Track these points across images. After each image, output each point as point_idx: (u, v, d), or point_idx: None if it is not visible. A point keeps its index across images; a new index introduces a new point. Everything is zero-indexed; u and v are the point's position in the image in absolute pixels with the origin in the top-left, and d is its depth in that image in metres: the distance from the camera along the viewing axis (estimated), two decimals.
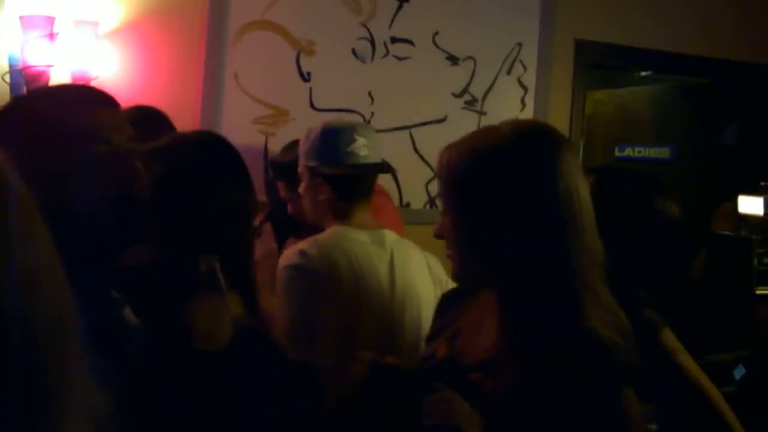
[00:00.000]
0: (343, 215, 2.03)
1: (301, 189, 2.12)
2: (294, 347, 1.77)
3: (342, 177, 2.01)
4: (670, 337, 1.62)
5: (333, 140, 2.02)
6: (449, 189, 1.28)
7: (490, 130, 1.28)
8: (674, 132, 4.22)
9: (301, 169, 2.10)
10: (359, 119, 3.28)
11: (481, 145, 1.25)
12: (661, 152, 4.17)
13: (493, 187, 1.21)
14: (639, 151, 4.24)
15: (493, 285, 1.26)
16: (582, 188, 1.21)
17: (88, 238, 1.12)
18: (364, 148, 2.02)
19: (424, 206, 3.36)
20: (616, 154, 4.28)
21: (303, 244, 1.94)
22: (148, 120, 2.28)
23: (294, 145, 2.52)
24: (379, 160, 2.10)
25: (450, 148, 1.30)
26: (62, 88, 1.33)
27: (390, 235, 2.05)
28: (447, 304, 1.54)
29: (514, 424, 1.14)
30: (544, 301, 1.16)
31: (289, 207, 2.32)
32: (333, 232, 2.00)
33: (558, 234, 1.17)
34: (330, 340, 1.85)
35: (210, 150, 1.69)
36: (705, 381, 1.60)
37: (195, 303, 1.27)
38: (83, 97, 1.28)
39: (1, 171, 0.55)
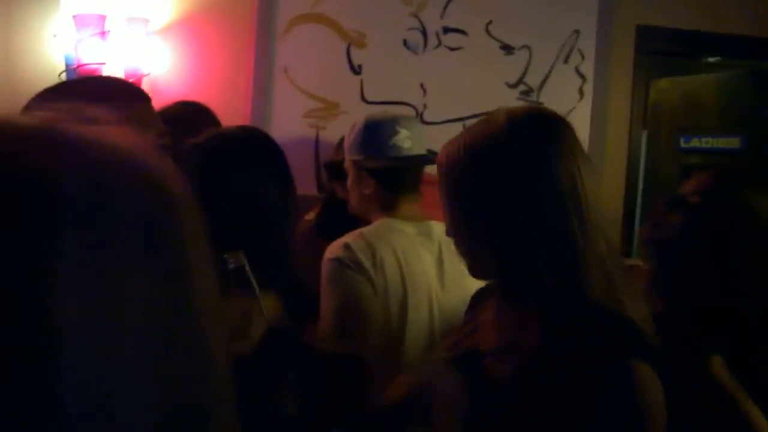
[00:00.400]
0: (389, 208, 2.01)
1: (348, 183, 2.10)
2: (337, 339, 1.77)
3: (386, 170, 1.98)
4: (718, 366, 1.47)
5: (375, 133, 2.00)
6: (449, 186, 1.26)
7: (484, 121, 1.25)
8: (744, 121, 4.00)
9: (347, 163, 2.09)
10: (411, 112, 3.21)
11: (475, 138, 1.22)
12: (730, 142, 3.96)
13: (490, 179, 1.19)
14: (706, 142, 4.04)
15: (499, 274, 1.25)
16: (584, 169, 1.19)
17: None
18: (407, 140, 1.99)
19: None
20: (682, 145, 4.09)
21: (348, 237, 1.92)
22: (192, 115, 2.28)
23: (343, 143, 2.50)
24: (423, 152, 2.05)
25: (447, 144, 1.28)
26: (92, 80, 1.30)
27: (438, 227, 1.99)
28: (476, 299, 1.49)
29: (515, 410, 1.12)
30: (547, 284, 1.14)
31: (350, 206, 2.27)
32: (379, 224, 1.98)
33: (560, 216, 1.14)
34: (375, 333, 1.83)
35: (248, 145, 1.66)
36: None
37: (223, 302, 1.23)
38: (112, 90, 1.25)
39: (172, 190, 0.51)
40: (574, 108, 3.35)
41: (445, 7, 3.23)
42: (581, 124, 3.36)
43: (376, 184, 2.00)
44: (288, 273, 1.54)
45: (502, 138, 1.18)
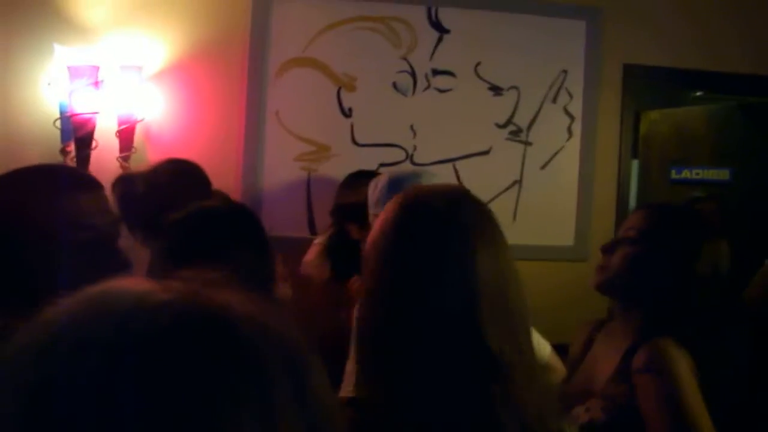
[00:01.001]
0: None
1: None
2: (357, 386, 1.82)
3: None
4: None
5: (400, 189, 2.05)
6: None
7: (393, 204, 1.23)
8: (733, 153, 4.04)
9: (371, 218, 2.14)
10: (401, 154, 3.26)
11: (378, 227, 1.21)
12: (720, 174, 4.01)
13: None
14: (696, 173, 4.08)
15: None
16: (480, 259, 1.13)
17: None
18: None
19: None
20: (673, 176, 4.13)
21: None
22: (181, 175, 2.31)
23: (352, 184, 2.58)
24: None
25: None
26: (44, 172, 1.33)
27: None
28: None
29: None
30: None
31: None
32: None
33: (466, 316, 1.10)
34: None
35: (229, 221, 1.71)
36: None
37: None
38: (67, 182, 1.29)
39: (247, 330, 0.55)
40: (563, 147, 3.39)
41: (434, 50, 3.28)
42: (571, 162, 3.41)
43: None
44: None
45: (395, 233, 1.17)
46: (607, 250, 1.78)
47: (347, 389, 1.91)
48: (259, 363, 0.53)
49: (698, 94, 4.22)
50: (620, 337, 1.73)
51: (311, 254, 2.68)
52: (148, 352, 0.50)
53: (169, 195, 2.11)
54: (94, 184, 1.32)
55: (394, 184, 2.08)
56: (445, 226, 1.16)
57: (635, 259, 1.71)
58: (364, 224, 2.25)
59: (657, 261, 1.69)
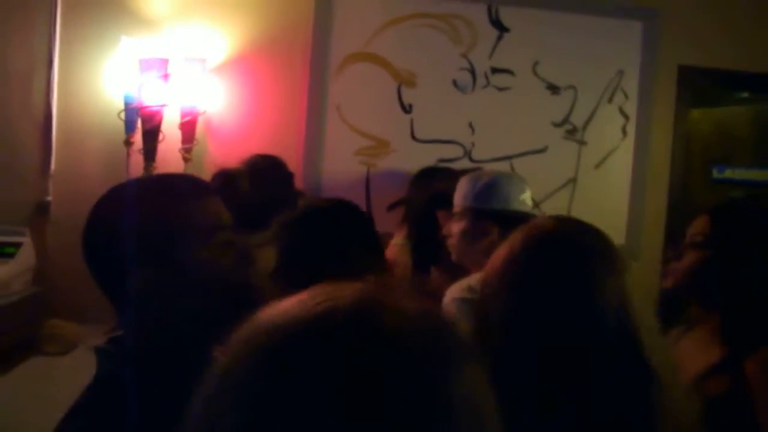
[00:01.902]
0: None
1: (456, 228, 2.18)
2: None
3: (513, 219, 2.07)
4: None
5: (508, 187, 2.09)
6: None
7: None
8: None
9: (460, 209, 2.15)
10: (460, 150, 3.29)
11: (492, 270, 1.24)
12: (764, 174, 4.05)
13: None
14: (739, 173, 4.12)
15: None
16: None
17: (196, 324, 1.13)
18: (530, 200, 2.12)
19: None
20: (715, 175, 4.17)
21: (469, 280, 2.00)
22: (269, 169, 2.35)
23: (424, 179, 2.63)
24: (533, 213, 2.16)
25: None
26: (165, 180, 1.32)
27: None
28: None
29: None
30: None
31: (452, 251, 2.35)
32: None
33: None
34: None
35: (338, 217, 1.77)
36: None
37: None
38: (187, 188, 1.27)
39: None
40: (618, 146, 3.43)
41: (493, 48, 3.31)
42: (624, 162, 3.44)
43: (500, 232, 2.06)
44: None
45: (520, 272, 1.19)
46: (675, 255, 1.81)
47: None
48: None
49: (745, 95, 4.25)
50: (705, 337, 1.78)
51: (392, 254, 2.71)
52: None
53: (270, 192, 2.16)
54: (210, 190, 1.32)
55: (501, 182, 2.11)
56: (588, 258, 1.19)
57: (704, 263, 1.74)
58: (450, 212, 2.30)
59: (726, 264, 1.73)
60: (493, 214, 2.07)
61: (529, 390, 1.18)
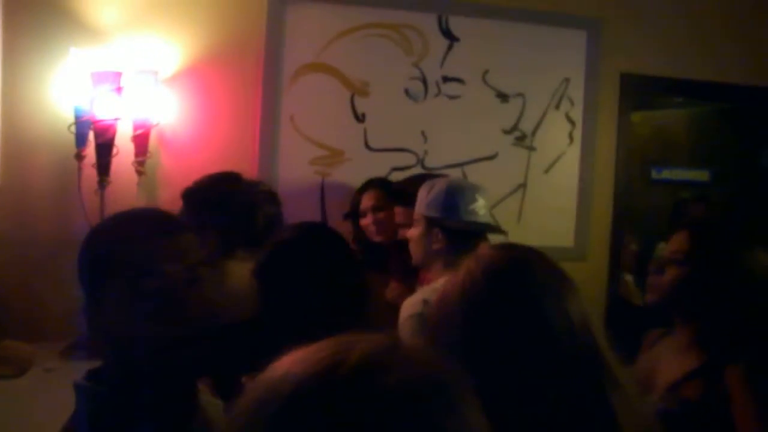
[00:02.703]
0: (452, 264, 2.15)
1: (411, 234, 2.27)
2: None
3: (461, 231, 2.14)
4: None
5: (457, 197, 2.16)
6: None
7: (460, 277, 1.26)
8: (712, 155, 4.27)
9: (417, 216, 2.24)
10: (413, 158, 3.34)
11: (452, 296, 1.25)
12: (700, 175, 4.23)
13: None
14: (677, 174, 4.30)
15: None
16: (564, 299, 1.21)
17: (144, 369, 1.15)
18: (482, 209, 2.20)
19: None
20: (653, 176, 4.34)
21: (422, 293, 2.06)
22: (228, 183, 2.36)
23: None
24: (490, 221, 2.21)
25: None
26: (127, 218, 1.32)
27: None
28: None
29: None
30: None
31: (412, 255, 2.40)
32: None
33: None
34: None
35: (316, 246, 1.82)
36: None
37: None
38: (143, 227, 1.27)
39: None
40: (565, 152, 3.53)
41: (444, 58, 3.37)
42: (571, 166, 3.55)
43: (446, 242, 2.17)
44: None
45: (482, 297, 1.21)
46: (657, 270, 1.91)
47: None
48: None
49: (679, 100, 4.43)
50: (683, 343, 1.87)
51: None
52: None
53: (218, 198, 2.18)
54: (172, 228, 1.26)
55: (453, 192, 2.20)
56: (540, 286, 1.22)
57: (684, 280, 1.84)
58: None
59: (705, 278, 1.83)
60: (440, 224, 2.16)
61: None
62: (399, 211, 2.62)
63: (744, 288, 1.81)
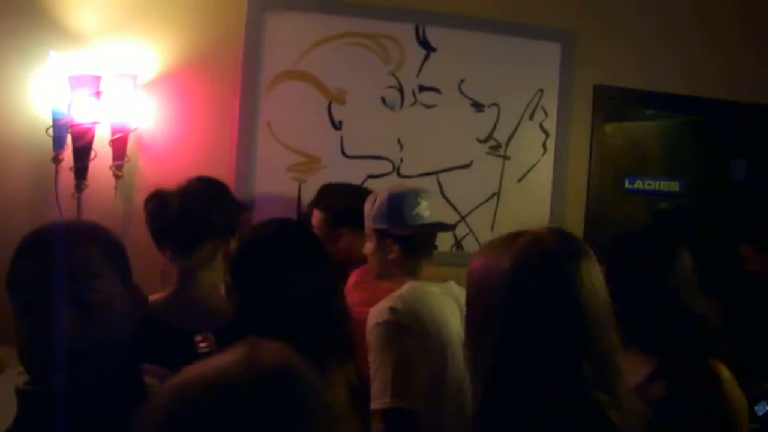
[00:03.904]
0: (412, 271, 2.25)
1: (366, 249, 2.32)
2: (393, 397, 1.98)
3: (410, 237, 2.19)
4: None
5: (399, 205, 2.21)
6: (470, 299, 1.36)
7: (503, 247, 1.31)
8: (683, 166, 4.36)
9: (368, 230, 2.28)
10: (389, 166, 3.39)
11: (487, 267, 1.30)
12: (671, 185, 4.31)
13: (496, 307, 1.27)
14: (648, 184, 4.37)
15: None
16: (597, 294, 1.27)
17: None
18: (427, 210, 2.24)
19: (451, 248, 3.47)
20: (626, 186, 4.41)
21: (389, 301, 2.10)
22: (207, 191, 2.38)
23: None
24: (439, 219, 2.27)
25: (475, 257, 1.36)
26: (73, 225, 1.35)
27: (455, 287, 2.25)
28: None
29: None
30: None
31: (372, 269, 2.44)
32: (412, 287, 2.18)
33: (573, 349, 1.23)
34: (423, 387, 2.03)
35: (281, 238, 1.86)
36: None
37: None
38: (81, 234, 1.29)
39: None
40: (539, 161, 3.60)
41: (420, 67, 3.42)
42: (545, 176, 3.62)
43: (401, 250, 2.23)
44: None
45: (509, 280, 1.26)
46: None
47: (381, 401, 2.04)
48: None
49: (652, 112, 4.51)
50: (636, 351, 1.92)
51: None
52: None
53: (200, 213, 2.19)
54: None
55: (395, 200, 2.24)
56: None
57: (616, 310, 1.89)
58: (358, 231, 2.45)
59: (630, 300, 1.87)
60: (390, 234, 2.22)
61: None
62: (343, 233, 2.69)
63: (674, 291, 1.87)
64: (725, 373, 1.83)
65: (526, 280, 1.26)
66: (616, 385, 1.27)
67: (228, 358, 0.78)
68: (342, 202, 2.79)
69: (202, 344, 1.49)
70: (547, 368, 1.22)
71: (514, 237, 1.33)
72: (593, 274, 1.29)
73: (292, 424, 0.74)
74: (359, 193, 2.74)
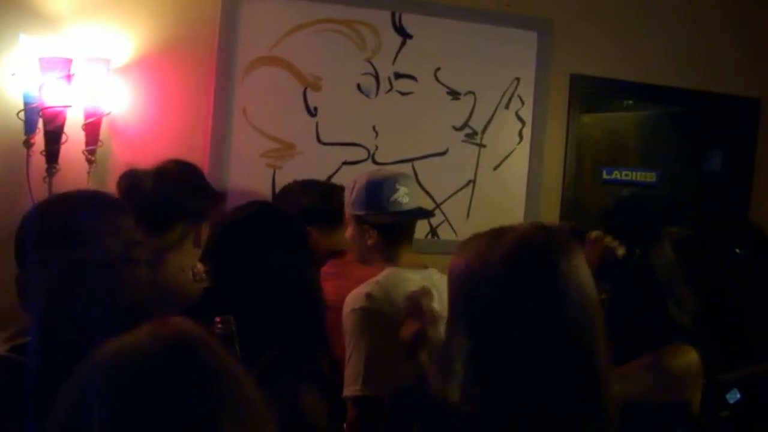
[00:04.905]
0: (392, 257, 2.25)
1: (347, 234, 2.32)
2: (368, 383, 2.00)
3: (389, 224, 2.19)
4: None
5: (378, 191, 2.22)
6: (453, 299, 1.33)
7: (490, 242, 1.30)
8: (660, 157, 4.38)
9: (347, 216, 2.30)
10: (364, 153, 3.38)
11: (476, 263, 1.28)
12: (648, 176, 4.33)
13: (486, 304, 1.24)
14: (626, 175, 4.39)
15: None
16: (587, 287, 1.26)
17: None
18: (405, 196, 2.23)
19: (426, 236, 3.47)
20: (604, 176, 4.42)
21: (366, 287, 2.10)
22: (187, 175, 2.37)
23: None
24: (418, 205, 2.27)
25: (456, 255, 1.34)
26: (68, 196, 1.36)
27: (435, 274, 2.24)
28: None
29: None
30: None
31: (354, 255, 2.43)
32: (390, 274, 2.19)
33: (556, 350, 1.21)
34: (397, 374, 2.00)
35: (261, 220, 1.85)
36: None
37: None
38: (84, 204, 1.30)
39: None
40: (514, 149, 3.60)
41: (396, 54, 3.42)
42: (521, 164, 3.62)
43: (379, 237, 2.24)
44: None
45: (502, 274, 1.23)
46: None
47: (353, 388, 2.04)
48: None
49: (630, 102, 4.53)
50: None
51: None
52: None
53: (175, 195, 2.18)
54: (113, 207, 1.31)
55: (373, 186, 2.24)
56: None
57: None
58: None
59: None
60: (368, 221, 2.22)
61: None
62: (311, 231, 2.64)
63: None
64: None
65: (516, 274, 1.24)
66: (603, 378, 1.25)
67: (137, 331, 0.81)
68: (303, 201, 2.75)
69: (219, 326, 1.49)
70: (537, 359, 1.21)
71: (499, 232, 1.31)
72: (582, 267, 1.27)
73: (197, 391, 0.76)
74: (320, 189, 2.75)
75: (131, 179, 2.21)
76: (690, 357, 1.90)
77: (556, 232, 1.33)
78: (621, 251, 2.00)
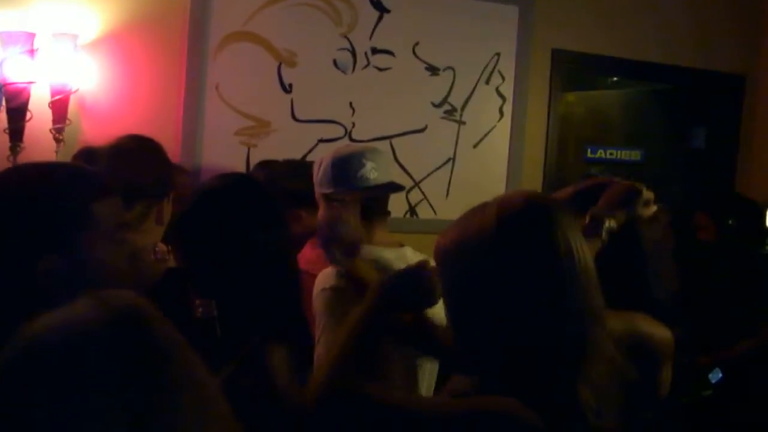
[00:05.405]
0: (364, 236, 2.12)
1: (319, 214, 2.21)
2: None
3: (357, 201, 2.10)
4: None
5: (344, 167, 2.12)
6: (442, 276, 1.31)
7: (476, 214, 1.27)
8: (644, 135, 4.32)
9: (317, 195, 2.18)
10: (341, 130, 3.31)
11: (466, 236, 1.25)
12: (632, 154, 4.28)
13: (479, 277, 1.21)
14: (610, 153, 4.34)
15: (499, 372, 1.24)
16: (580, 249, 1.22)
17: None
18: (373, 171, 2.12)
19: (405, 215, 3.41)
20: (588, 155, 4.38)
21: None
22: (144, 151, 2.29)
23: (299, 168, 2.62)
24: (389, 180, 2.17)
25: (443, 234, 1.31)
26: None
27: (410, 252, 2.15)
28: None
29: None
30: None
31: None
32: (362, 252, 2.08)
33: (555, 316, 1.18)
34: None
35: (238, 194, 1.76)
36: None
37: None
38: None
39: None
40: (495, 126, 3.53)
41: (374, 29, 3.34)
42: (501, 142, 3.56)
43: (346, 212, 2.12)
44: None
45: (492, 237, 1.21)
46: None
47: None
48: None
49: (615, 79, 4.47)
50: None
51: None
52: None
53: (132, 171, 2.10)
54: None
55: (339, 163, 2.13)
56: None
57: None
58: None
59: None
60: (335, 198, 2.11)
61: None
62: (301, 214, 2.55)
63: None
64: None
65: (503, 239, 1.20)
66: (599, 341, 1.21)
67: (75, 305, 0.77)
68: (291, 184, 2.66)
69: (200, 310, 1.42)
70: (531, 321, 1.18)
71: (481, 206, 1.29)
72: (578, 231, 1.26)
73: (142, 364, 0.73)
74: (307, 171, 2.67)
75: (86, 157, 2.13)
76: (662, 332, 1.84)
77: (548, 197, 1.35)
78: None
